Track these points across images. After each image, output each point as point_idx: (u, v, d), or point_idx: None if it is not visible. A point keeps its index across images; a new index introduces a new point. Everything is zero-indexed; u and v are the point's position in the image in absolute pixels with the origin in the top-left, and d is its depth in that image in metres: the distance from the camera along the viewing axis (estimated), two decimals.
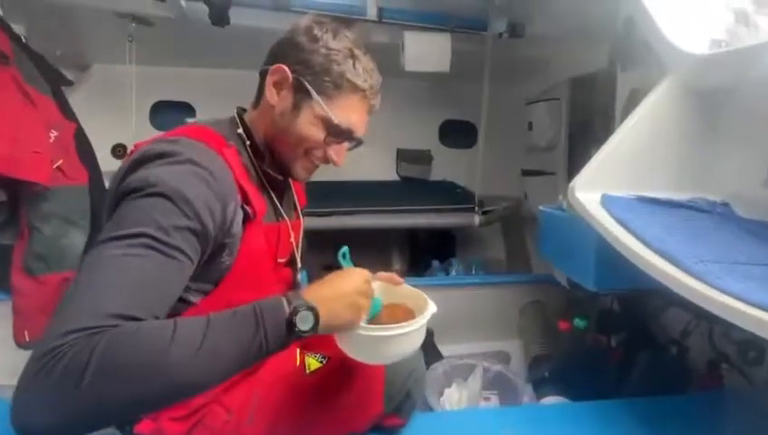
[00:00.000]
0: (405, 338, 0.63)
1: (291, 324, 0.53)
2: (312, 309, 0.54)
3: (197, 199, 0.56)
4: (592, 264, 0.96)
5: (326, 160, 0.74)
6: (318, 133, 0.70)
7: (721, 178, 0.89)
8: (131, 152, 0.64)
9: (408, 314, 0.69)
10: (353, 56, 0.70)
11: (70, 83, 1.56)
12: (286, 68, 0.69)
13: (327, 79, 0.69)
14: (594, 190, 0.89)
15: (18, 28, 1.37)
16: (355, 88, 0.70)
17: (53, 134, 1.31)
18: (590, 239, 0.90)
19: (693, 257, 0.63)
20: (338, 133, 0.71)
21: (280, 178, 0.76)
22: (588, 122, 1.65)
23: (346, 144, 0.74)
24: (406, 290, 0.73)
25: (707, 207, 0.85)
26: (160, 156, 0.58)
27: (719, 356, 1.02)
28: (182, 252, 0.54)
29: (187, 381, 0.48)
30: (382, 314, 0.70)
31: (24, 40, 1.37)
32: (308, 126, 0.70)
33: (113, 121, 1.73)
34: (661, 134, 0.91)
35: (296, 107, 0.70)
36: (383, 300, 0.73)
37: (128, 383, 0.44)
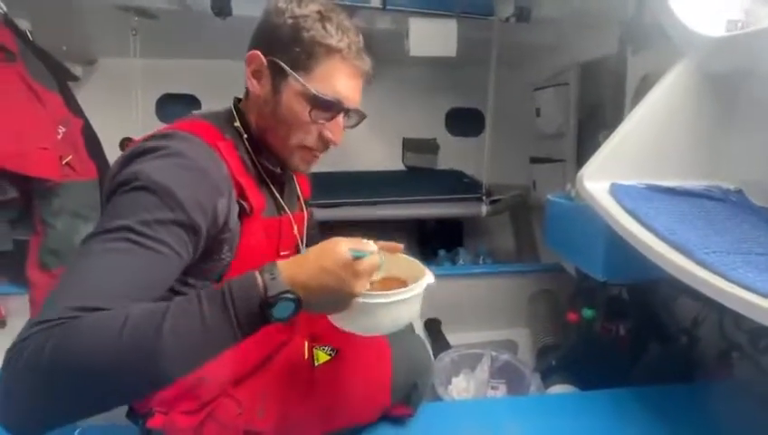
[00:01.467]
0: (395, 307, 0.57)
1: (266, 312, 0.48)
2: (294, 299, 0.49)
3: (183, 191, 0.53)
4: (601, 254, 0.95)
5: (324, 143, 0.68)
6: (302, 111, 0.64)
7: (735, 165, 0.86)
8: (128, 147, 0.62)
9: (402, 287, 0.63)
10: (322, 18, 0.63)
11: (76, 79, 1.57)
12: (259, 53, 0.65)
13: (298, 50, 0.63)
14: (603, 179, 0.87)
15: (23, 24, 1.37)
16: (330, 50, 0.63)
17: (61, 130, 1.33)
18: (599, 229, 0.89)
19: (705, 248, 0.62)
20: (323, 106, 0.64)
21: (278, 171, 0.73)
22: (598, 108, 1.62)
23: (341, 120, 0.68)
24: (404, 261, 0.67)
25: (721, 195, 0.83)
26: (150, 151, 0.56)
27: (730, 346, 1.01)
28: (166, 244, 0.51)
29: (144, 369, 0.44)
30: (375, 287, 0.64)
31: (29, 36, 1.38)
32: (291, 106, 0.64)
33: (120, 115, 1.74)
34: (674, 120, 0.88)
35: (276, 90, 0.65)
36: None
37: (82, 373, 0.42)
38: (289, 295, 0.49)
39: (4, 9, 1.29)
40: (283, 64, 0.64)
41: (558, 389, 1.18)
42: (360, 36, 0.67)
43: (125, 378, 0.44)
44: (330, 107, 0.65)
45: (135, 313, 0.45)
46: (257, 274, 0.49)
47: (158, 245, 0.51)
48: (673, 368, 1.10)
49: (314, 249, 0.53)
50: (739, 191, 0.84)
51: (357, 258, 0.52)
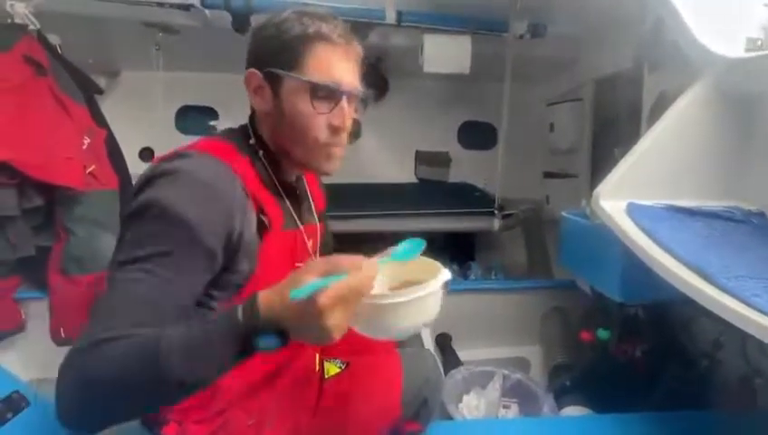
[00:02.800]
0: (411, 307, 0.54)
1: (251, 345, 0.49)
2: (274, 333, 0.50)
3: (197, 218, 0.56)
4: (618, 274, 0.93)
5: (335, 133, 0.68)
6: (305, 105, 0.66)
7: (757, 186, 0.85)
8: (150, 164, 0.65)
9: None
10: (299, 15, 0.67)
11: (101, 91, 1.63)
12: (254, 70, 0.68)
13: (285, 52, 0.65)
14: (620, 198, 0.86)
15: (53, 39, 1.44)
16: (312, 39, 0.65)
17: (86, 141, 1.37)
18: (616, 248, 0.88)
19: (726, 272, 0.61)
20: (323, 93, 0.66)
21: (293, 184, 0.76)
22: (613, 124, 1.61)
23: (344, 105, 0.67)
24: (422, 263, 0.64)
25: (742, 216, 0.81)
26: (166, 173, 0.59)
27: (753, 371, 0.98)
28: (184, 272, 0.56)
29: (155, 396, 0.52)
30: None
31: (59, 50, 1.44)
32: (293, 105, 0.66)
33: (141, 126, 1.80)
34: (692, 140, 0.87)
35: (276, 96, 0.67)
36: (393, 277, 0.64)
37: (107, 396, 0.50)
38: (269, 328, 0.49)
39: (37, 25, 1.36)
40: (276, 70, 0.66)
41: (572, 410, 1.16)
42: (340, 20, 0.69)
43: (140, 402, 0.53)
44: (329, 92, 0.66)
45: (141, 339, 0.50)
46: (239, 309, 0.50)
47: (177, 274, 0.55)
48: (692, 393, 1.06)
49: (287, 279, 0.50)
50: (761, 214, 0.82)
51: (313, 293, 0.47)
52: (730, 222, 0.80)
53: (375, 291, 0.56)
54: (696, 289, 0.61)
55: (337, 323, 0.48)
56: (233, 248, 0.62)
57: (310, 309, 0.47)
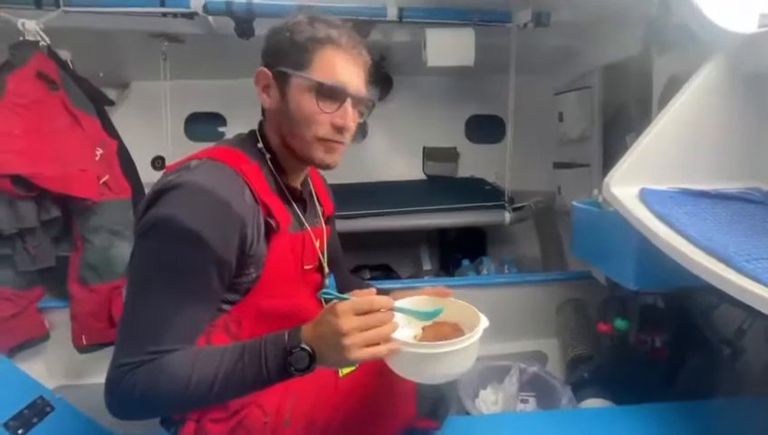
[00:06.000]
0: (453, 357, 0.59)
1: (288, 363, 0.57)
2: (307, 352, 0.58)
3: (210, 233, 0.60)
4: (632, 261, 0.91)
5: (338, 131, 0.71)
6: (310, 103, 0.68)
7: None
8: (164, 173, 0.68)
9: (455, 332, 0.66)
10: (311, 21, 0.70)
11: (112, 103, 1.66)
12: (265, 69, 0.71)
13: (295, 52, 0.68)
14: (632, 184, 0.84)
15: (64, 54, 1.48)
16: (322, 43, 0.68)
17: (99, 152, 1.41)
18: (629, 235, 0.86)
19: (745, 254, 0.59)
20: (328, 92, 0.68)
21: (299, 189, 0.78)
22: (623, 111, 1.57)
23: (349, 107, 0.70)
24: (455, 304, 0.70)
25: (761, 197, 0.78)
26: (174, 188, 0.61)
27: None
28: (206, 288, 0.62)
29: (203, 406, 0.66)
30: (428, 332, 0.68)
31: (70, 65, 1.48)
32: (299, 103, 0.69)
33: (151, 135, 1.83)
34: (705, 121, 0.85)
35: (283, 94, 0.70)
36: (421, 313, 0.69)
37: (163, 404, 0.62)
38: (303, 347, 0.57)
39: (48, 41, 1.39)
40: (285, 69, 0.69)
41: (592, 403, 1.14)
42: (350, 29, 0.72)
43: (191, 407, 0.67)
44: (334, 92, 0.69)
45: (198, 365, 0.59)
46: (285, 333, 0.59)
47: (200, 289, 0.62)
48: (715, 382, 1.04)
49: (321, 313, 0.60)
50: None
51: (330, 300, 0.59)
52: (748, 204, 0.77)
53: (407, 333, 0.65)
54: (713, 273, 0.59)
55: (352, 336, 0.56)
56: (245, 256, 0.66)
57: (329, 314, 0.57)
